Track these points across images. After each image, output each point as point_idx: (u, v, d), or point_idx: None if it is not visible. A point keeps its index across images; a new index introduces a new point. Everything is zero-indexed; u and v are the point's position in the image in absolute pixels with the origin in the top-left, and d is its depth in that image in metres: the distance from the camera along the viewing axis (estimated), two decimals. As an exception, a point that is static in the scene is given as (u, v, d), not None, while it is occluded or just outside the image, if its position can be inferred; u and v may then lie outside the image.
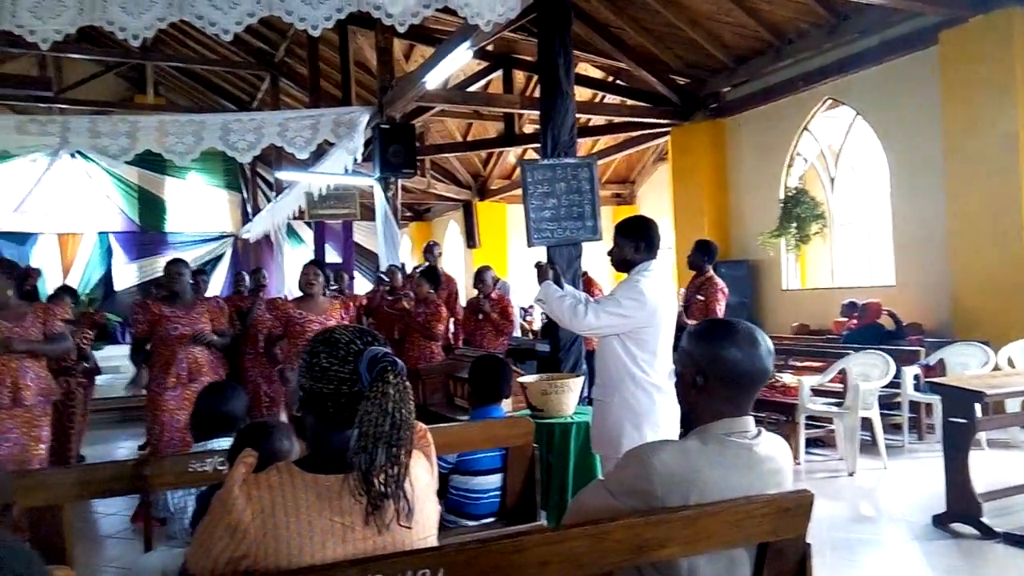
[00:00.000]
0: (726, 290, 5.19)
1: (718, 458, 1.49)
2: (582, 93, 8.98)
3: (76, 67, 12.45)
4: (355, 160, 7.13)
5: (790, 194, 8.35)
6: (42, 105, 10.77)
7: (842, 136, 8.23)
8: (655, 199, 11.94)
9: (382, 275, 7.17)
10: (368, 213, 10.58)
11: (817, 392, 5.46)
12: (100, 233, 13.73)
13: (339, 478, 1.28)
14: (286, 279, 11.59)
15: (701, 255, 5.29)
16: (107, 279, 13.71)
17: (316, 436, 1.36)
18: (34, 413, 3.65)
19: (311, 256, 11.50)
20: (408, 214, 14.88)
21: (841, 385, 5.32)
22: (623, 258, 2.87)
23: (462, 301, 7.61)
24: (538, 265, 3.08)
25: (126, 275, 13.74)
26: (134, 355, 4.55)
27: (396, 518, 1.28)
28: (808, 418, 5.27)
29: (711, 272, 5.31)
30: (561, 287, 2.91)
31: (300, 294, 4.65)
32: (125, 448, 6.96)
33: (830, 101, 7.92)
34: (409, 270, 7.58)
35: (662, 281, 2.84)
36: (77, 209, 13.29)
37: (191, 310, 4.31)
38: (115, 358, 9.33)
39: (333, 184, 9.06)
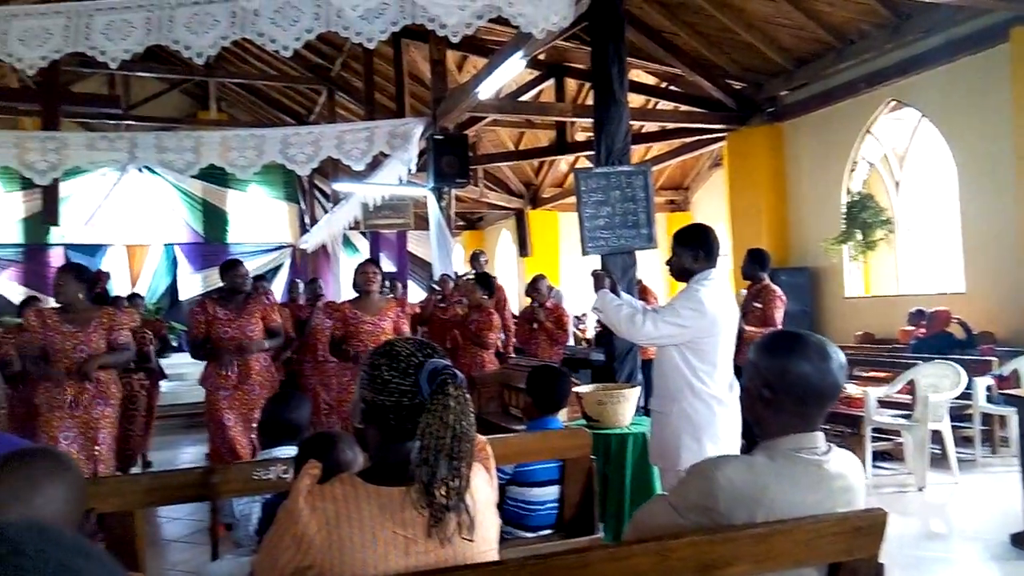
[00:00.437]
0: (784, 297, 5.09)
1: (787, 474, 1.44)
2: (635, 100, 8.91)
3: (143, 85, 12.95)
4: (409, 171, 7.22)
5: (854, 199, 8.11)
6: (111, 122, 11.23)
7: (907, 138, 7.97)
8: (710, 205, 11.75)
9: (434, 284, 7.24)
10: (422, 223, 10.70)
11: (884, 404, 5.28)
12: (166, 245, 14.22)
13: (401, 490, 1.28)
14: (342, 288, 11.79)
15: (753, 264, 5.22)
16: (173, 289, 14.18)
17: (378, 448, 1.37)
18: (92, 415, 3.80)
19: (366, 265, 11.65)
20: (461, 223, 14.98)
21: (909, 396, 5.13)
22: (682, 267, 2.82)
23: (513, 309, 7.62)
24: (594, 274, 3.05)
25: (191, 285, 14.18)
26: (195, 354, 4.69)
27: (458, 531, 1.28)
28: (874, 430, 5.10)
29: (767, 280, 5.21)
30: (618, 296, 2.88)
31: (355, 295, 4.74)
32: (190, 453, 7.16)
33: (893, 103, 7.68)
34: (458, 279, 7.63)
35: (722, 290, 2.78)
36: (144, 221, 13.79)
37: (242, 312, 4.44)
38: (181, 365, 9.65)
39: (388, 195, 9.19)
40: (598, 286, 2.95)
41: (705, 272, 2.77)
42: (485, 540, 1.37)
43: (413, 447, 1.29)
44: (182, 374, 9.44)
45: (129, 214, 13.53)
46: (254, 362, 4.42)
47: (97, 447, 3.78)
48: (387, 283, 6.40)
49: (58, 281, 3.88)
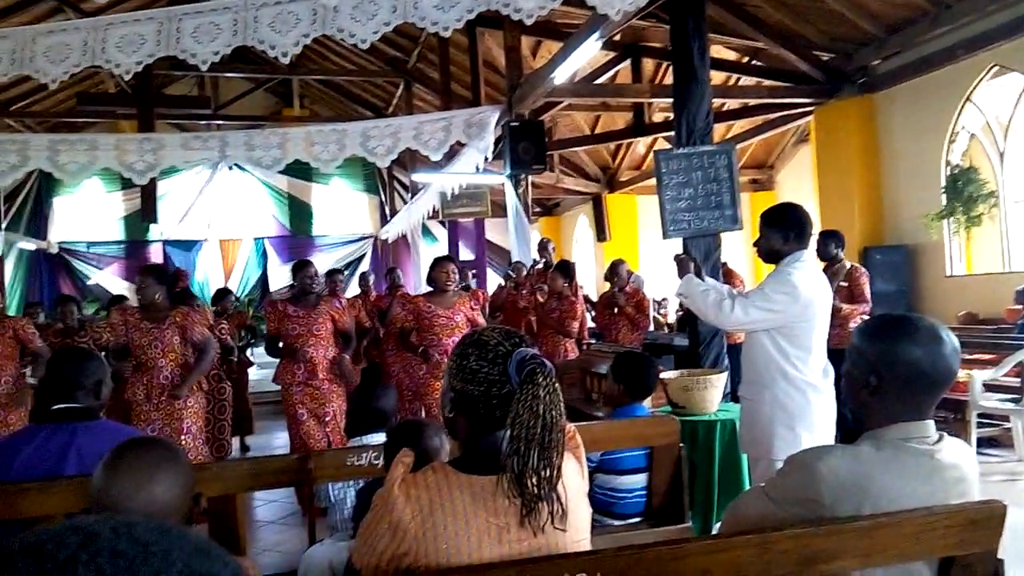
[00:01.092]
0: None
1: (894, 465, 1.37)
2: (716, 76, 8.63)
3: (230, 85, 13.45)
4: (486, 159, 7.24)
5: (955, 172, 7.65)
6: (202, 122, 11.73)
7: (1011, 106, 7.44)
8: (796, 184, 11.33)
9: (509, 271, 7.26)
10: (499, 210, 10.71)
11: (989, 387, 4.98)
12: (256, 239, 14.79)
13: (492, 479, 1.29)
14: (422, 277, 11.98)
15: (829, 244, 5.18)
16: (263, 281, 14.75)
17: (468, 437, 1.37)
18: (175, 407, 3.97)
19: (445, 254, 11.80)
20: (537, 210, 14.96)
21: (1017, 380, 4.82)
22: (771, 249, 2.71)
23: (591, 295, 7.57)
24: (678, 258, 2.97)
25: (280, 277, 14.72)
26: (269, 350, 4.85)
27: (550, 520, 1.27)
28: (980, 416, 4.82)
29: (844, 259, 5.19)
30: (703, 280, 2.80)
31: (429, 289, 4.79)
32: (282, 439, 7.44)
33: (996, 68, 7.17)
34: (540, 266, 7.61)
35: (815, 272, 2.66)
36: (235, 217, 14.39)
37: (312, 311, 4.54)
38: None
39: (465, 183, 9.25)
40: (682, 271, 2.87)
41: (796, 254, 2.65)
42: (577, 529, 1.36)
43: (503, 436, 1.29)
44: (273, 363, 9.80)
45: (221, 210, 14.14)
46: (323, 360, 4.53)
47: (183, 436, 3.95)
48: (462, 275, 6.46)
49: (139, 283, 4.07)
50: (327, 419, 4.49)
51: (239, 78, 13.19)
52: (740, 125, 10.39)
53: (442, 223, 13.53)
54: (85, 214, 13.94)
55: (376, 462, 2.20)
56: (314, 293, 4.66)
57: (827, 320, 2.69)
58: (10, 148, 6.32)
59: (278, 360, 4.69)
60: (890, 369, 1.38)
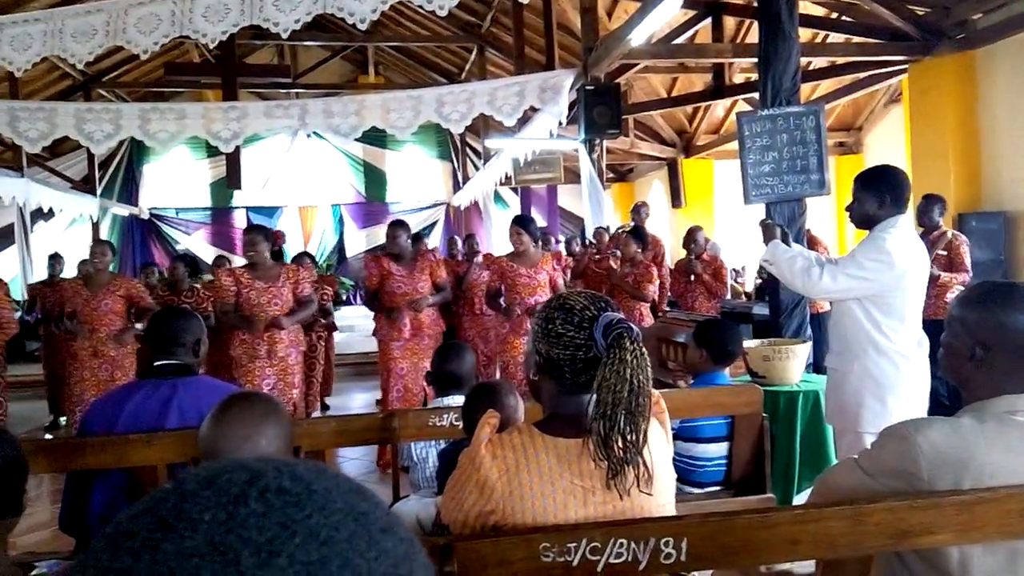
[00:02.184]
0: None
1: (999, 439, 1.30)
2: (802, 34, 8.26)
3: (308, 54, 13.68)
4: (560, 124, 7.17)
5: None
6: (282, 91, 12.00)
7: None
8: (886, 146, 10.79)
9: (590, 239, 7.21)
10: (572, 177, 10.63)
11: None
12: (333, 205, 15.14)
13: (578, 442, 1.30)
14: (494, 243, 12.03)
15: (931, 209, 4.94)
16: (340, 246, 15.12)
17: (552, 400, 1.38)
18: (288, 362, 4.17)
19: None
20: (611, 175, 14.75)
21: None
22: (864, 214, 2.58)
23: (669, 263, 7.45)
24: (763, 224, 2.88)
25: (356, 242, 15.06)
26: (369, 304, 4.97)
27: (636, 484, 1.27)
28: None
29: (943, 225, 5.01)
30: (790, 247, 2.70)
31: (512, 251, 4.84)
32: (360, 400, 7.68)
33: (1116, 18, 6.61)
34: (613, 231, 7.54)
35: (912, 238, 2.53)
36: (313, 183, 14.75)
37: (413, 268, 4.66)
38: (350, 318, 10.33)
39: (538, 149, 9.20)
40: (768, 237, 2.78)
41: (892, 219, 2.52)
42: (662, 494, 1.36)
43: (588, 400, 1.29)
44: (352, 326, 10.10)
45: (300, 177, 14.51)
46: (425, 316, 4.65)
47: (294, 391, 4.15)
48: (539, 236, 6.46)
49: (252, 240, 4.23)
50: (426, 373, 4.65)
51: (317, 46, 13.40)
52: (826, 85, 9.93)
53: (514, 190, 13.53)
54: (174, 181, 14.54)
55: (456, 423, 2.25)
56: (408, 251, 4.78)
57: (923, 289, 2.57)
58: (104, 117, 6.63)
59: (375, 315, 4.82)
60: (998, 339, 1.31)
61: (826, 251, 6.16)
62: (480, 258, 6.43)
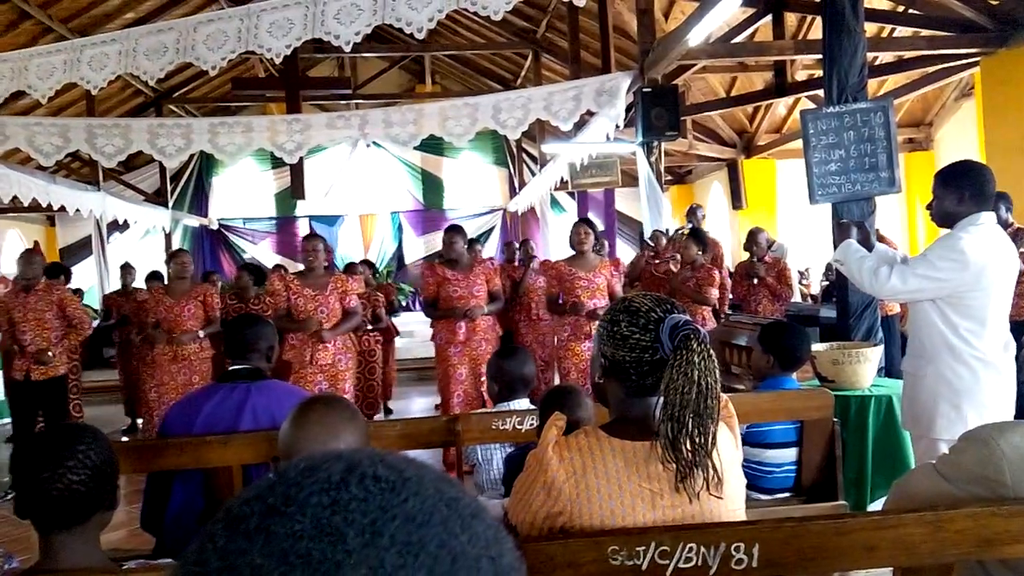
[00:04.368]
0: None
1: (1090, 444, 1.24)
2: (868, 28, 8.02)
3: (367, 66, 13.96)
4: (617, 127, 7.13)
5: None
6: (342, 102, 12.28)
7: None
8: (958, 142, 10.37)
9: (648, 240, 7.14)
10: (629, 180, 10.55)
11: None
12: (392, 213, 15.40)
13: (645, 445, 1.29)
14: (551, 248, 12.03)
15: (999, 205, 4.74)
16: (399, 253, 15.36)
17: (619, 403, 1.38)
18: (338, 368, 4.26)
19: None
20: (669, 178, 14.58)
21: None
22: (944, 211, 2.48)
23: (729, 265, 7.33)
24: (840, 223, 2.81)
25: (414, 249, 15.27)
26: (427, 311, 5.05)
27: (706, 487, 1.26)
28: None
29: (1013, 221, 4.81)
30: (869, 248, 2.62)
31: (571, 254, 4.83)
32: (420, 404, 7.78)
33: None
34: (671, 234, 7.45)
35: (993, 236, 2.42)
36: (373, 192, 15.03)
37: (469, 274, 4.71)
38: (410, 324, 10.47)
39: (595, 153, 9.16)
40: (843, 236, 2.71)
41: (972, 216, 2.42)
42: (733, 499, 1.34)
43: (655, 403, 1.29)
44: (411, 331, 10.24)
45: (360, 186, 14.81)
46: (480, 321, 4.69)
47: (345, 395, 4.24)
48: (599, 243, 6.44)
49: (312, 247, 4.36)
50: (484, 378, 4.69)
51: (375, 58, 13.67)
52: (894, 80, 9.61)
53: (571, 194, 13.52)
54: (241, 192, 15.03)
55: (520, 427, 2.26)
56: (464, 257, 4.84)
57: (1009, 290, 2.45)
58: (176, 132, 6.89)
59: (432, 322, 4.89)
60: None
61: (897, 251, 5.99)
62: (536, 263, 6.44)
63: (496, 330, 4.95)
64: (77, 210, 9.34)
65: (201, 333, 5.14)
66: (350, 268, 7.82)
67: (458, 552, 0.38)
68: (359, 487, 0.39)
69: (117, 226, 12.11)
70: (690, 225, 6.94)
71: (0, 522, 4.44)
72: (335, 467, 0.41)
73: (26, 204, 8.11)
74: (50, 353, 4.91)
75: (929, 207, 2.56)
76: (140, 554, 1.89)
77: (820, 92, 5.89)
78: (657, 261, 6.64)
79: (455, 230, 4.95)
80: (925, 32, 7.96)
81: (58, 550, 1.30)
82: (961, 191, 2.43)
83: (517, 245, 8.05)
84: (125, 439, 6.50)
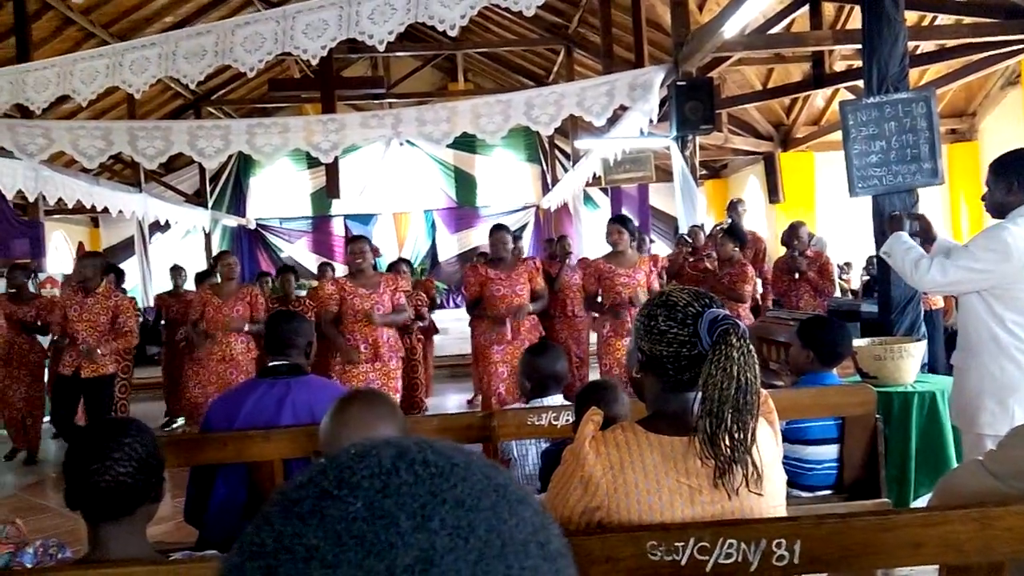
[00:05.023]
0: None
1: None
2: (908, 17, 7.83)
3: (400, 65, 14.06)
4: (650, 121, 7.07)
5: None
6: (375, 102, 12.38)
7: None
8: (1004, 133, 10.08)
9: (684, 236, 7.08)
10: (663, 175, 10.47)
11: None
12: (426, 211, 15.50)
13: (683, 440, 1.28)
14: (584, 245, 11.99)
15: None
16: (433, 251, 15.45)
17: (656, 398, 1.37)
18: (389, 366, 4.32)
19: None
20: (703, 172, 14.42)
21: None
22: (995, 201, 2.42)
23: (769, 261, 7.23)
24: (892, 215, 2.76)
25: (448, 247, 15.35)
26: (471, 311, 5.08)
27: (745, 483, 1.25)
28: None
29: None
30: (932, 239, 2.56)
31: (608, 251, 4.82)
32: (455, 400, 7.82)
33: None
34: (708, 229, 7.37)
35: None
36: (407, 190, 15.14)
37: (512, 273, 4.72)
38: (444, 321, 10.51)
39: (628, 148, 9.10)
40: (894, 229, 2.66)
41: (1022, 208, 2.36)
42: (773, 496, 1.32)
43: (693, 397, 1.28)
44: (446, 328, 10.29)
45: (393, 184, 14.92)
46: (524, 320, 4.72)
47: (396, 395, 4.30)
48: (640, 239, 6.39)
49: (361, 249, 4.43)
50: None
51: (408, 57, 13.75)
52: (936, 69, 9.37)
53: (604, 190, 13.44)
54: (277, 192, 15.26)
55: (555, 423, 2.26)
56: (508, 256, 4.86)
57: (1061, 282, 2.38)
58: (215, 133, 7.01)
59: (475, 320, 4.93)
60: None
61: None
62: (574, 260, 6.42)
63: (539, 329, 4.96)
64: (120, 211, 9.58)
65: (247, 326, 5.25)
66: (394, 267, 7.91)
67: (507, 537, 0.39)
68: (409, 472, 0.40)
69: (159, 227, 12.39)
70: (729, 220, 6.85)
71: (51, 515, 4.58)
72: (385, 453, 0.41)
73: (71, 206, 8.34)
74: (99, 352, 5.04)
75: (983, 199, 2.50)
76: (185, 546, 1.93)
77: (859, 83, 5.78)
78: (692, 259, 6.57)
79: (503, 229, 4.98)
80: (968, 19, 7.75)
81: (106, 541, 1.34)
82: (1010, 180, 2.37)
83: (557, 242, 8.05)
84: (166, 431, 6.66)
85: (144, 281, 11.61)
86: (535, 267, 4.93)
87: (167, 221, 11.68)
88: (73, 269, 5.26)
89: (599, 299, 4.91)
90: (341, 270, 7.72)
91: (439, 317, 10.85)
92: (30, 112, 5.73)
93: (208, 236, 13.49)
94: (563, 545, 0.42)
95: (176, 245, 13.67)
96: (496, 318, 4.68)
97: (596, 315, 5.04)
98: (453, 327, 9.78)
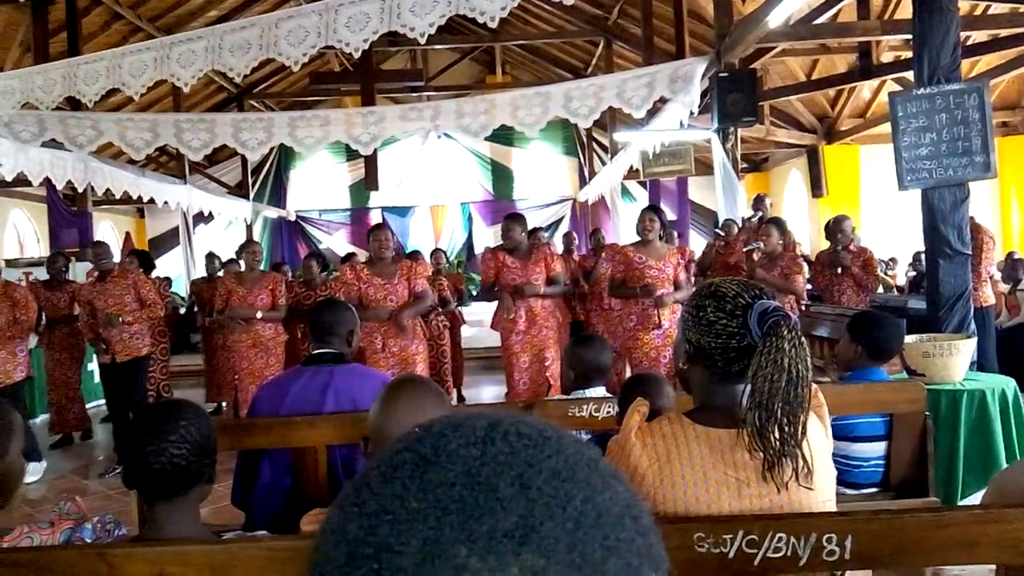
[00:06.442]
0: None
1: None
2: (960, 6, 7.61)
3: (438, 58, 14.10)
4: (691, 113, 6.99)
5: None
6: (414, 94, 12.44)
7: None
8: (1059, 124, 9.76)
9: (716, 230, 6.99)
10: (703, 168, 10.35)
11: None
12: (462, 203, 15.56)
13: (731, 432, 1.27)
14: (621, 237, 11.92)
15: None
16: (469, 243, 15.52)
17: (703, 390, 1.36)
18: (408, 353, 4.32)
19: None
20: (744, 166, 14.20)
21: None
22: None
23: (808, 253, 7.10)
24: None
25: (484, 239, 15.39)
26: (484, 296, 5.10)
27: (795, 477, 1.23)
28: None
29: None
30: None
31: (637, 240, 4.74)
32: (489, 392, 7.84)
33: None
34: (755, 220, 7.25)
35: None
36: (444, 183, 15.21)
37: (528, 260, 4.71)
38: (479, 312, 10.56)
39: (667, 141, 9.01)
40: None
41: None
42: (822, 490, 1.30)
43: (742, 390, 1.26)
44: (480, 320, 10.33)
45: (431, 177, 15.00)
46: (539, 308, 4.68)
47: None
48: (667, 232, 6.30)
49: (382, 237, 4.46)
50: (547, 363, 4.68)
51: (446, 49, 13.78)
52: (988, 60, 9.09)
53: (642, 183, 13.33)
54: (317, 184, 15.45)
55: (596, 414, 2.26)
56: (523, 244, 4.84)
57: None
58: (258, 126, 7.12)
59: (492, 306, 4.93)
60: None
61: (991, 240, 5.67)
62: (604, 256, 6.37)
63: (556, 316, 4.92)
64: (165, 202, 9.79)
65: (259, 314, 5.33)
66: (413, 254, 7.96)
67: (602, 508, 0.39)
68: (504, 442, 0.41)
69: (202, 218, 12.63)
70: (759, 214, 6.74)
71: (96, 496, 4.72)
72: (479, 423, 0.42)
73: (118, 196, 8.55)
74: (120, 319, 5.17)
75: None
76: (233, 528, 1.98)
77: (908, 74, 5.64)
78: (722, 253, 6.48)
79: (513, 218, 4.96)
80: (1023, 8, 7.50)
81: (161, 520, 1.38)
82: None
83: (577, 236, 8.01)
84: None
85: (188, 270, 11.86)
86: (550, 253, 4.91)
87: (210, 212, 11.91)
88: (91, 260, 5.43)
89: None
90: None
91: (475, 309, 10.91)
92: (81, 105, 5.87)
93: (249, 227, 13.72)
94: (652, 522, 0.42)
95: (219, 236, 13.94)
96: (504, 300, 4.66)
97: (623, 302, 4.83)
98: (488, 319, 9.81)
